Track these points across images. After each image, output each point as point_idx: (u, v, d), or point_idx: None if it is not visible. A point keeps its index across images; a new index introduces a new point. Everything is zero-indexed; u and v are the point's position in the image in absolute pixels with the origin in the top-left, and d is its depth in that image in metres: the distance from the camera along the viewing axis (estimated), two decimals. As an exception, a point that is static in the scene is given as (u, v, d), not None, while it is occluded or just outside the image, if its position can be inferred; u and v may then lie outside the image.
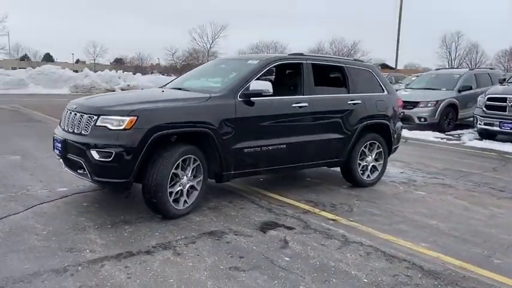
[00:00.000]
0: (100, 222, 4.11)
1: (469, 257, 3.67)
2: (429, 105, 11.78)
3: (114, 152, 3.92)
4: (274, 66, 5.14)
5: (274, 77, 6.06)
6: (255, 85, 4.61)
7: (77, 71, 34.06)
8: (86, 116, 4.17)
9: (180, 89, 5.09)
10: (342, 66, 5.70)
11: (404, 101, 11.80)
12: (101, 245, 3.59)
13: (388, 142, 6.06)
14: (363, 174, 5.83)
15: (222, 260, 3.39)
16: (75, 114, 4.32)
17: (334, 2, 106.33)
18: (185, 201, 4.35)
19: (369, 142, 5.81)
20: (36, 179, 5.57)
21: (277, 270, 3.25)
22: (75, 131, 4.24)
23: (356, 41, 62.00)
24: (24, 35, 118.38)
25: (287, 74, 6.02)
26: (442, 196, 5.60)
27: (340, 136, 5.45)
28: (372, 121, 5.77)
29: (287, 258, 3.47)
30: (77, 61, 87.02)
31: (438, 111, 11.75)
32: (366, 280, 3.17)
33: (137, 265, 3.24)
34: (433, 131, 11.63)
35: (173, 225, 4.10)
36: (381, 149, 5.96)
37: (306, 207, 4.84)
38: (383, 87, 6.08)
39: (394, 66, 45.54)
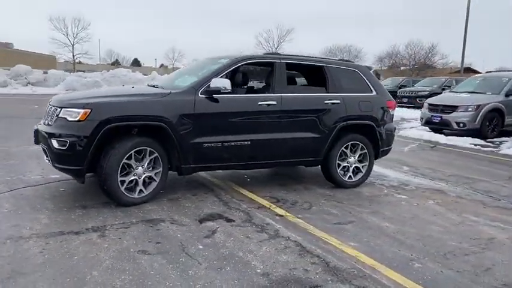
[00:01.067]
0: (60, 205, 4.51)
1: (389, 258, 3.56)
2: (469, 109, 11.08)
3: (68, 141, 4.30)
4: (243, 65, 5.26)
5: (251, 76, 6.17)
6: (215, 83, 4.77)
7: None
8: (53, 108, 4.61)
9: (154, 86, 5.37)
10: (322, 66, 5.67)
11: (443, 105, 11.28)
12: (43, 224, 3.97)
13: (375, 144, 5.91)
14: (344, 175, 5.75)
15: (138, 244, 3.61)
16: (49, 107, 4.78)
17: (414, 4, 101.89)
18: (141, 190, 4.62)
19: (350, 143, 5.71)
20: (40, 167, 6.16)
21: (180, 256, 3.41)
22: (46, 122, 4.70)
23: (434, 44, 58.79)
24: (116, 42, 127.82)
25: (260, 73, 6.09)
26: (423, 201, 5.36)
27: (314, 135, 5.43)
28: (353, 121, 5.67)
29: (200, 247, 3.61)
30: (161, 65, 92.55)
31: (479, 116, 11.01)
32: (259, 271, 3.22)
33: (58, 243, 3.56)
34: (473, 137, 10.91)
35: (122, 211, 4.40)
36: (365, 151, 5.83)
37: (265, 203, 4.91)
38: (371, 87, 5.94)
39: (480, 70, 42.87)
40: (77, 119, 4.33)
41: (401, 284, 3.13)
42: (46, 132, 4.51)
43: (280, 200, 5.05)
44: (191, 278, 3.06)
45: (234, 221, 4.28)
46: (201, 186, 5.54)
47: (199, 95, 4.80)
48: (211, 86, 4.78)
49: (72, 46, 63.69)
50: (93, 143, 4.31)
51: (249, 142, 5.05)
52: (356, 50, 72.37)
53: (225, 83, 4.76)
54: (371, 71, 6.20)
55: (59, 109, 4.50)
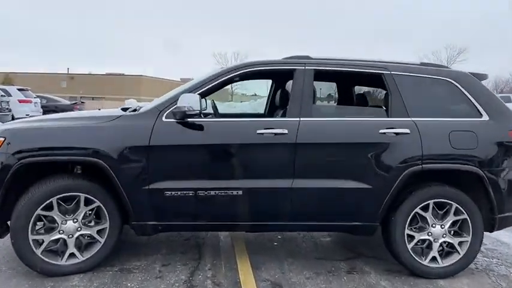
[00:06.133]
0: None
1: None
2: None
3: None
4: (239, 76, 3.50)
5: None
6: (182, 100, 3.17)
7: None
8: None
9: (125, 108, 3.88)
10: (381, 73, 3.51)
11: None
12: None
13: (485, 204, 3.42)
14: (421, 254, 3.42)
15: None
16: None
17: None
18: (72, 254, 3.23)
19: (433, 201, 3.37)
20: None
21: None
22: None
23: None
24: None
25: (273, 88, 4.13)
26: None
27: (360, 186, 3.31)
28: (437, 165, 3.35)
29: None
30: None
31: None
32: None
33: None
34: None
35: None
36: (465, 216, 3.38)
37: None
38: (480, 109, 3.50)
39: None
40: (-7, 150, 3.20)
41: None
42: None
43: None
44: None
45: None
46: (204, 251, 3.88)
47: (164, 119, 3.26)
48: (177, 104, 3.18)
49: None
50: (3, 185, 3.11)
51: (241, 192, 3.24)
52: None
53: (191, 101, 3.12)
54: (482, 81, 3.71)
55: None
